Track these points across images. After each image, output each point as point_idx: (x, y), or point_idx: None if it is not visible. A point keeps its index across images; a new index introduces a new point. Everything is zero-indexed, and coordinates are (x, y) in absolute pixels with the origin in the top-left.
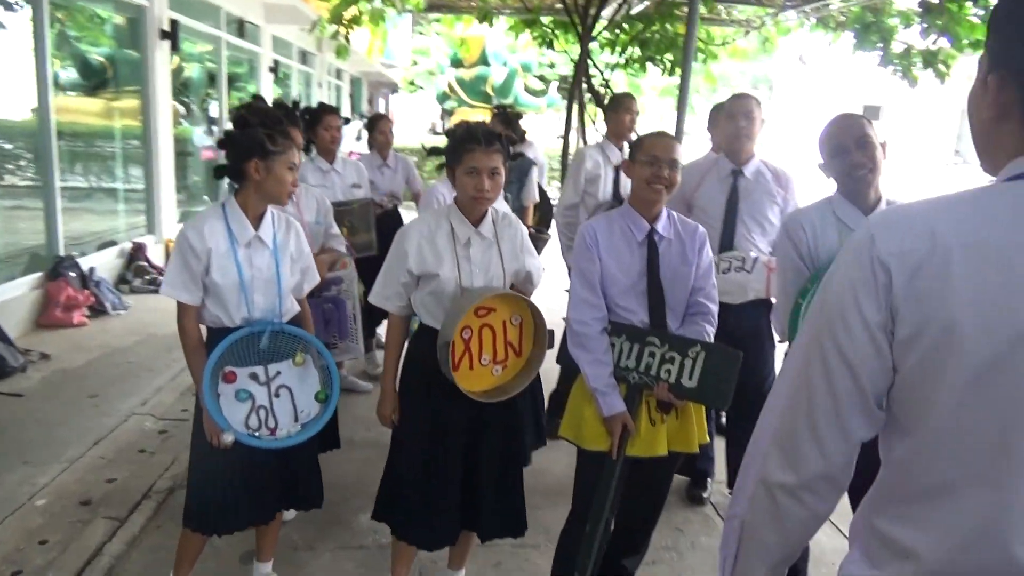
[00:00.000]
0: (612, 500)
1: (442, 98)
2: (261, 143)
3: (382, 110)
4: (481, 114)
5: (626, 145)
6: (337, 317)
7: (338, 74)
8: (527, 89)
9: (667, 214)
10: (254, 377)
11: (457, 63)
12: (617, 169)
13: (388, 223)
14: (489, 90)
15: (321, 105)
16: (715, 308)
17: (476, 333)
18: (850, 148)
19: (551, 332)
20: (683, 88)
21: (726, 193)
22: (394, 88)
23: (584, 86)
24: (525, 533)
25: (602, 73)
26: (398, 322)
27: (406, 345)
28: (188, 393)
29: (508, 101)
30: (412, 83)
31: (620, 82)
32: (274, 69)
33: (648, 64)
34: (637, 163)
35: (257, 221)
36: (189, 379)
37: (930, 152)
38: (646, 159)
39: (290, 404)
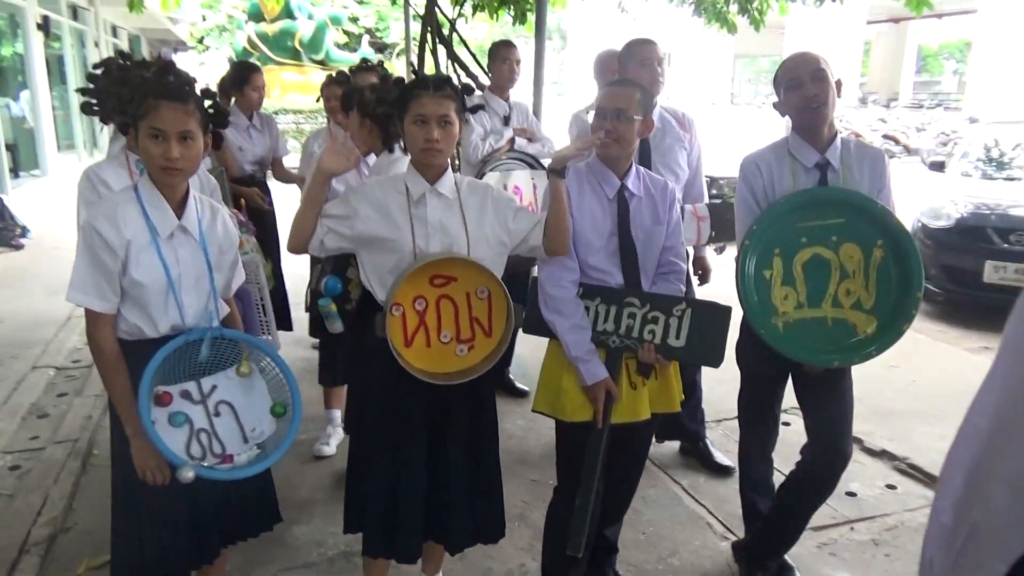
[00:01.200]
0: (601, 470)
1: (242, 55)
2: (127, 104)
3: None
4: (295, 73)
5: (511, 95)
6: (242, 311)
7: (114, 31)
8: (337, 44)
9: (636, 170)
10: (186, 395)
11: (257, 17)
12: (506, 120)
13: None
14: (297, 45)
15: None
16: (684, 266)
17: (433, 305)
18: (804, 81)
19: (519, 307)
20: (539, 36)
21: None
22: (178, 46)
23: (436, 38)
24: (503, 536)
25: (451, 24)
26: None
27: (355, 337)
28: (32, 417)
29: (319, 56)
30: (201, 40)
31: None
32: (44, 26)
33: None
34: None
35: (179, 207)
36: (25, 400)
37: (711, 96)
38: (596, 111)
39: (234, 423)
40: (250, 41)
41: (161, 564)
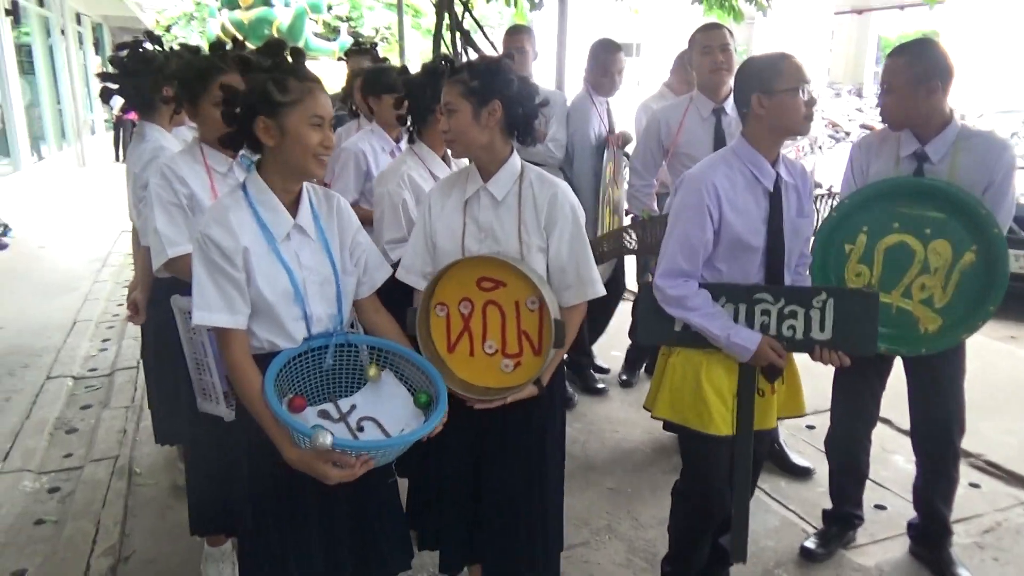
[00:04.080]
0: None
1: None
2: (264, 92)
3: None
4: None
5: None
6: None
7: (78, 19)
8: (317, 34)
9: (780, 155)
10: (324, 415)
11: (231, 4)
12: None
13: None
14: (275, 33)
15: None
16: (811, 257)
17: (479, 310)
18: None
19: (559, 323)
20: (562, 23)
21: (711, 134)
22: (148, 33)
23: (453, 25)
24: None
25: (465, 6)
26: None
27: None
28: (60, 432)
29: (298, 45)
30: (168, 29)
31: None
32: (12, 11)
33: None
34: (785, 93)
35: (293, 204)
36: (48, 414)
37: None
38: (799, 86)
39: (380, 433)
40: (224, 29)
41: None
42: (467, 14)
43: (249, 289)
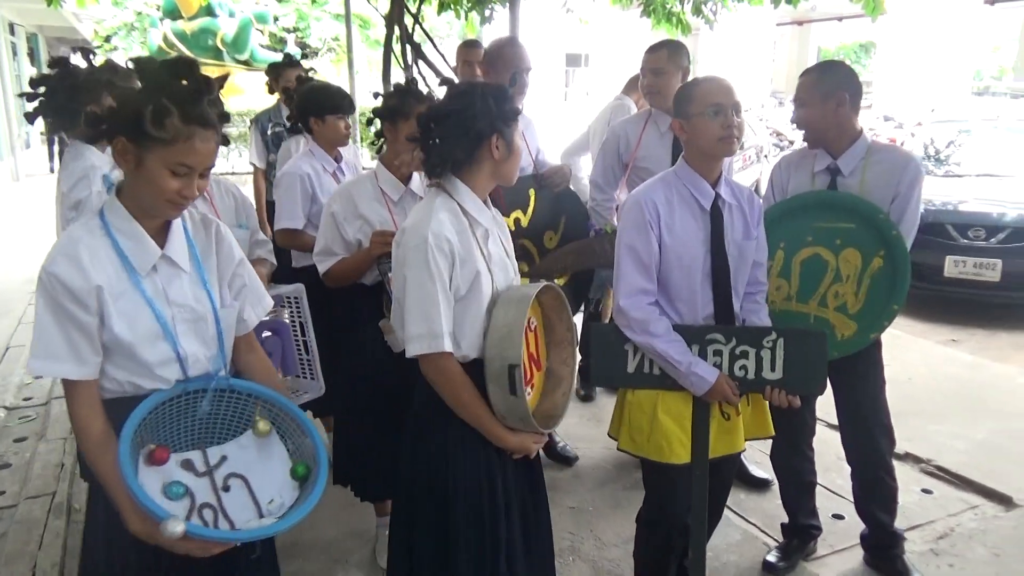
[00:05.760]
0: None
1: (157, 55)
2: (136, 114)
3: None
4: (218, 73)
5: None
6: (280, 347)
7: (11, 29)
8: (264, 45)
9: (723, 176)
10: (188, 466)
11: (173, 14)
12: None
13: None
14: (219, 44)
15: None
16: (766, 284)
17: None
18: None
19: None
20: (513, 30)
21: (669, 149)
22: (80, 47)
23: (402, 37)
24: None
25: (416, 19)
26: (458, 371)
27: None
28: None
29: (243, 56)
30: (107, 39)
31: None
32: None
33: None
34: (697, 117)
35: (161, 233)
36: None
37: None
38: (708, 109)
39: (247, 497)
40: (166, 40)
41: None
42: (418, 26)
43: (103, 332)
